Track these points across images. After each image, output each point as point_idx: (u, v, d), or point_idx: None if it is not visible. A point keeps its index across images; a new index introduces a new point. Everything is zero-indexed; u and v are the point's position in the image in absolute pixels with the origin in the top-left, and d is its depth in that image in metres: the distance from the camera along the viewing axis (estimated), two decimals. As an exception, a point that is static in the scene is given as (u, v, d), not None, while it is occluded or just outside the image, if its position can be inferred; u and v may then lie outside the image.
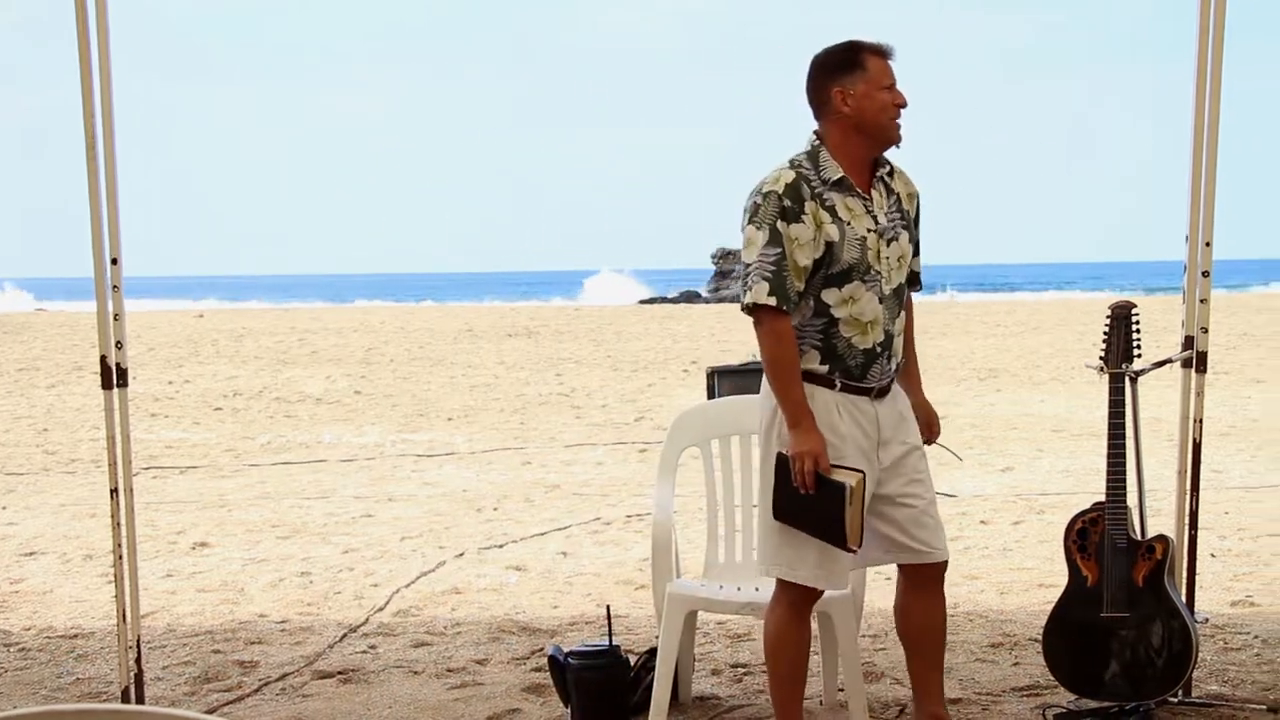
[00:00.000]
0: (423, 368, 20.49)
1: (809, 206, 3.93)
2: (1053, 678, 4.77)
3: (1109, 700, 4.66)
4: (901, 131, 4.06)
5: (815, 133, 4.06)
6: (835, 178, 3.98)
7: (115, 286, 4.66)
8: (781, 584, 4.12)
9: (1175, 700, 4.72)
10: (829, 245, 3.94)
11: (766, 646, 4.21)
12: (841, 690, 4.78)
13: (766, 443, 4.09)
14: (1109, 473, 4.58)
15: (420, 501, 9.59)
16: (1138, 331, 4.65)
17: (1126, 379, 4.64)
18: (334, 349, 23.79)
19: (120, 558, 4.75)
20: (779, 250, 3.91)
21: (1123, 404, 4.61)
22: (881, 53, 4.03)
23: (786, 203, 3.92)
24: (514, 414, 15.02)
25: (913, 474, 4.14)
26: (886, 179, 4.11)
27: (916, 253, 4.21)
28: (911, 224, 4.16)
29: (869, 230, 4.00)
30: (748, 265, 3.95)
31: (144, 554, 7.27)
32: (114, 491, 4.72)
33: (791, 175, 3.96)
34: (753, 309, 3.95)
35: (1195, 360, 4.82)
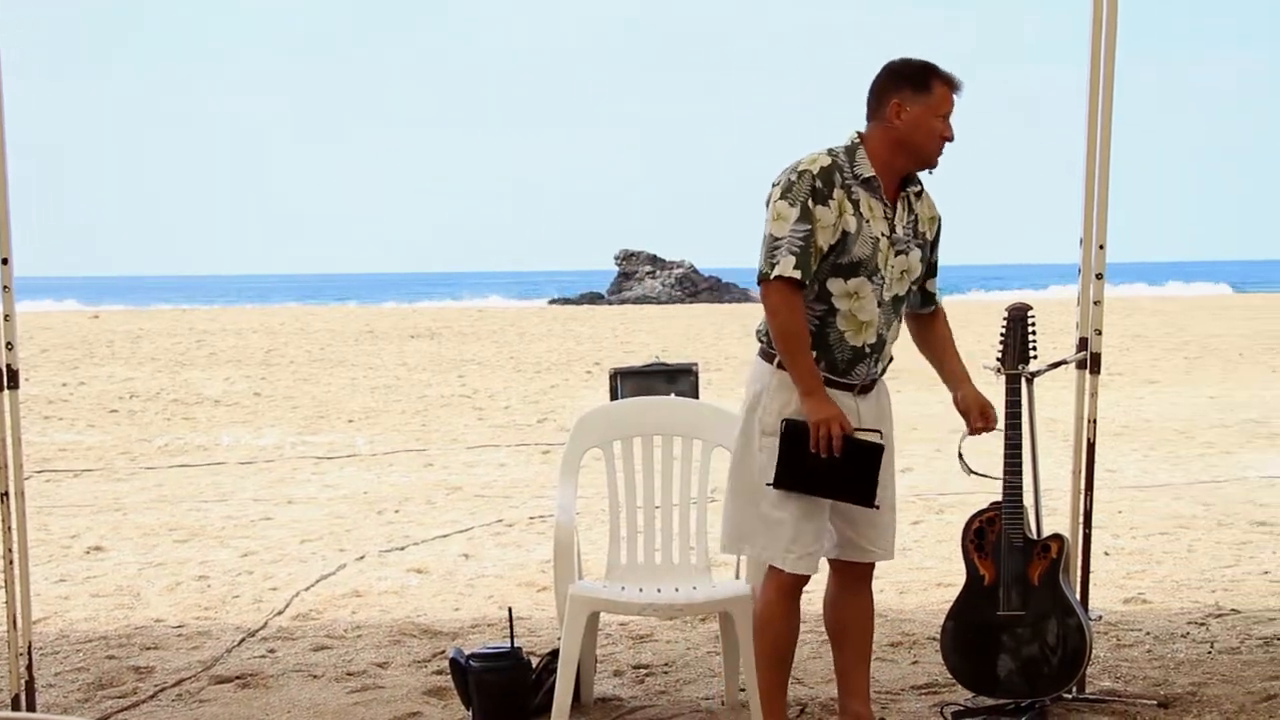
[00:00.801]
0: (323, 369, 20.31)
1: (837, 194, 4.04)
2: (951, 676, 4.82)
3: (1005, 697, 4.72)
4: (939, 159, 4.17)
5: (858, 132, 4.17)
6: (866, 175, 4.10)
7: (5, 287, 4.57)
8: (771, 569, 4.19)
9: (1070, 697, 4.80)
10: (844, 235, 4.04)
11: (754, 631, 4.30)
12: (743, 690, 4.80)
13: (748, 424, 4.17)
14: (1005, 473, 4.64)
15: (320, 504, 9.50)
16: (1033, 333, 4.71)
17: (1023, 380, 4.70)
18: (233, 350, 23.53)
19: (11, 563, 4.66)
20: (808, 228, 4.01)
21: (1019, 405, 4.68)
22: (950, 83, 4.14)
23: (818, 184, 4.03)
24: (416, 415, 14.94)
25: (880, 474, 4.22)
26: (912, 198, 4.21)
27: (933, 274, 4.34)
28: (928, 246, 4.27)
29: (883, 234, 4.10)
30: (777, 238, 4.02)
31: (36, 559, 7.13)
32: (4, 495, 4.63)
33: (828, 160, 4.07)
34: (775, 280, 4.01)
35: (1089, 361, 4.90)
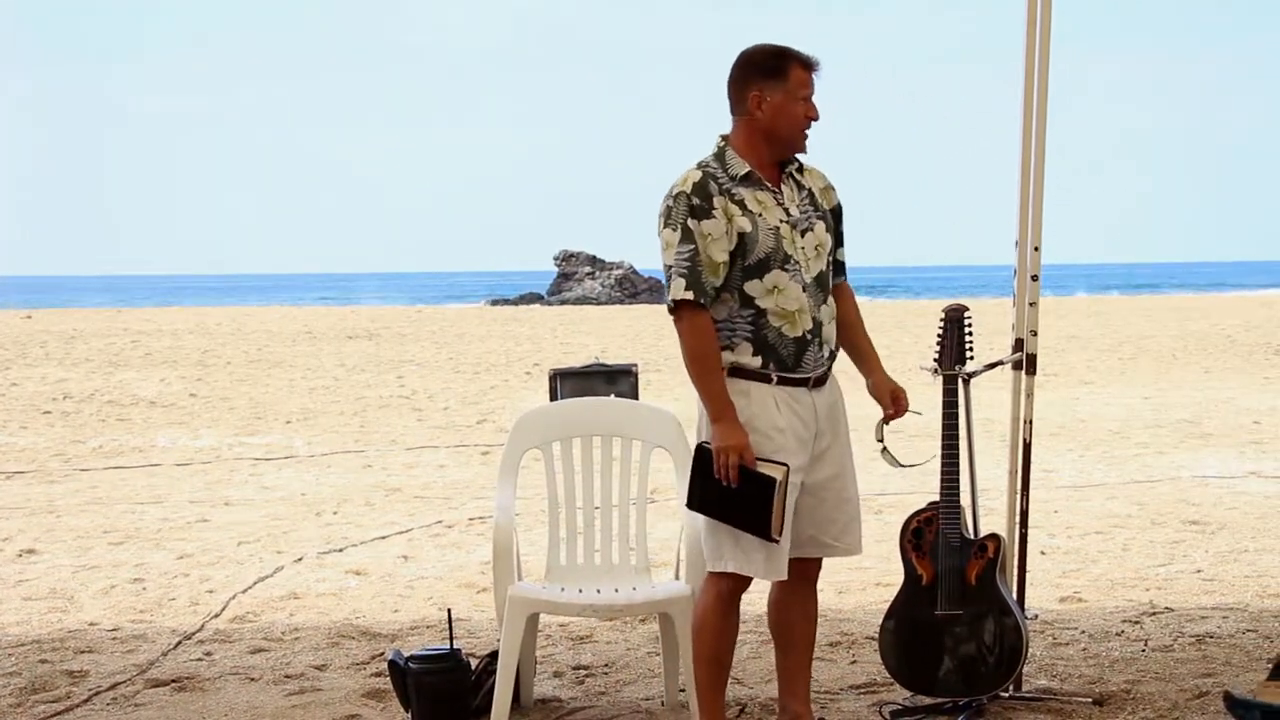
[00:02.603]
0: (261, 370, 20.16)
1: (718, 202, 4.03)
2: (889, 675, 4.85)
3: (943, 696, 4.75)
4: (808, 143, 4.17)
5: (722, 136, 4.17)
6: (743, 173, 4.09)
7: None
8: (711, 573, 4.17)
9: (1007, 695, 4.83)
10: (742, 237, 4.03)
11: (692, 631, 4.28)
12: (683, 691, 4.81)
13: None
14: (943, 473, 4.67)
15: (258, 505, 9.43)
16: (970, 334, 4.74)
17: (959, 381, 4.74)
18: (168, 351, 23.30)
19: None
20: (692, 247, 4.01)
21: (956, 405, 4.71)
22: (807, 64, 4.12)
23: (695, 201, 4.01)
24: (354, 416, 14.86)
25: (836, 467, 4.25)
26: (796, 175, 4.20)
27: (840, 243, 4.32)
28: (829, 215, 4.24)
29: (781, 221, 4.09)
30: (668, 266, 4.05)
31: (-32, 562, 7.05)
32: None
33: (698, 174, 4.06)
34: (676, 306, 4.04)
35: (1025, 362, 4.94)
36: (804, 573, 4.32)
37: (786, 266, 4.07)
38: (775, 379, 4.10)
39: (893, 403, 4.40)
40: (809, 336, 4.12)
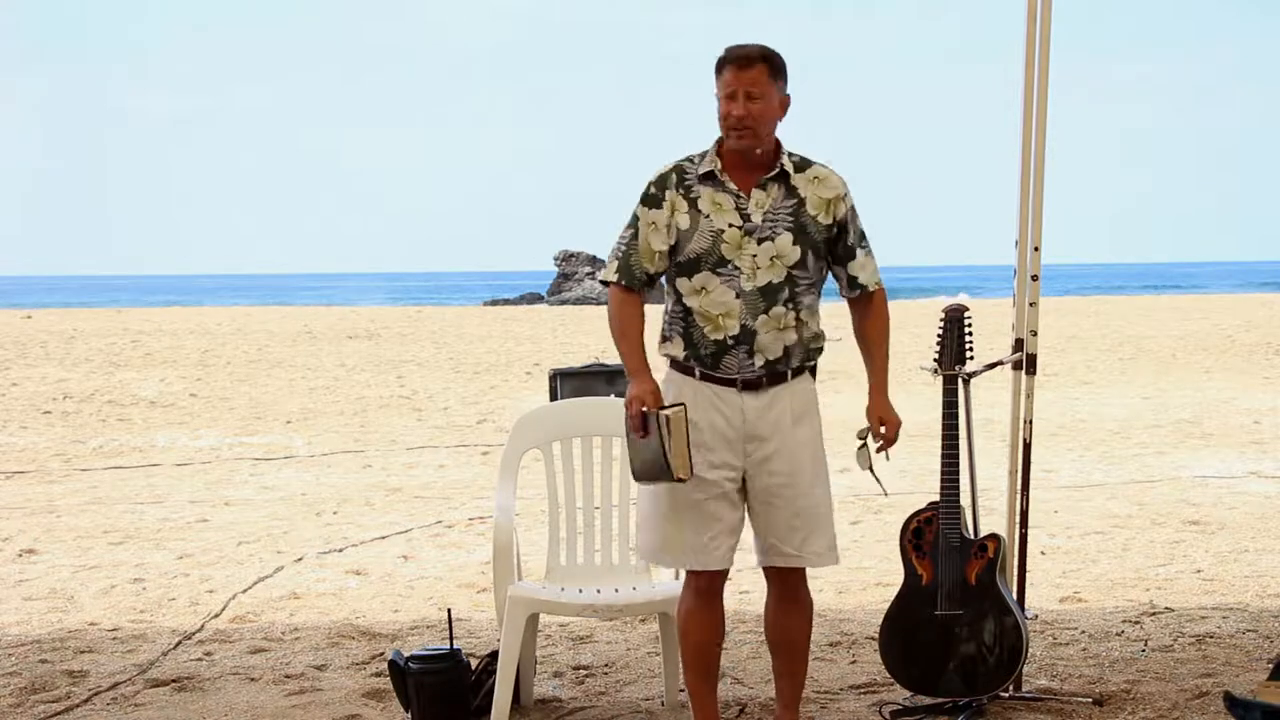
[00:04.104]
0: (261, 370, 20.15)
1: (670, 195, 4.12)
2: (889, 675, 4.85)
3: (943, 696, 4.75)
4: (739, 141, 4.09)
5: None
6: (705, 171, 4.14)
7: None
8: (689, 572, 4.22)
9: (1007, 695, 4.83)
10: (678, 233, 4.10)
11: (677, 631, 4.33)
12: (683, 690, 4.80)
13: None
14: (943, 473, 4.67)
15: (258, 505, 9.43)
16: (970, 334, 4.75)
17: (959, 381, 4.74)
18: (168, 351, 23.29)
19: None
20: (632, 231, 4.16)
21: (956, 405, 4.71)
22: (729, 61, 4.10)
23: (652, 190, 4.15)
24: (354, 416, 14.86)
25: (784, 476, 4.16)
26: (793, 180, 4.14)
27: (851, 256, 4.22)
28: (814, 226, 4.12)
29: (732, 225, 4.08)
30: (614, 246, 4.23)
31: (-32, 562, 7.05)
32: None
33: (671, 165, 4.18)
34: (605, 284, 4.22)
35: (1025, 362, 4.94)
36: (786, 579, 4.31)
37: (719, 270, 4.08)
38: (698, 374, 4.15)
39: (878, 426, 4.35)
40: (730, 342, 4.10)
